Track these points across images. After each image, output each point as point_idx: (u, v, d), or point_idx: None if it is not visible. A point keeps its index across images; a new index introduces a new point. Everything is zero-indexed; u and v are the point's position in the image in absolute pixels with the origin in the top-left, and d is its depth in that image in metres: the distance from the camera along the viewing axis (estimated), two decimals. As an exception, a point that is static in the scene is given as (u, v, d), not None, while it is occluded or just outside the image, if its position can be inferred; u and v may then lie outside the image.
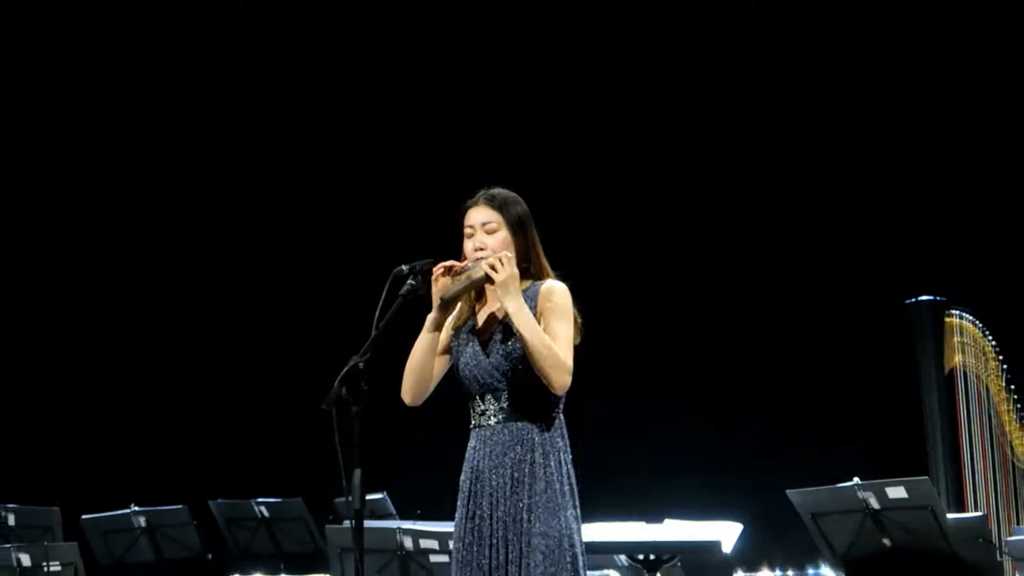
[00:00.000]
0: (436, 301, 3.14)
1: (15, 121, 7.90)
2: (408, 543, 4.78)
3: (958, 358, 5.71)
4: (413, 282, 3.03)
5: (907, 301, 5.84)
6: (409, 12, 7.77)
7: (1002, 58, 6.82)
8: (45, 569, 5.40)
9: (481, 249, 3.10)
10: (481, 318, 3.20)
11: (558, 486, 3.13)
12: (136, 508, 6.04)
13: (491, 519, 3.17)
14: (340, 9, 7.86)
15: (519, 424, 3.13)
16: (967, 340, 5.67)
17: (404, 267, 3.04)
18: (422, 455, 4.77)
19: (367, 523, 3.48)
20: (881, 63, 7.10)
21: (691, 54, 7.38)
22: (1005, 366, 5.52)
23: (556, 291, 3.09)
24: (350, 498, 2.98)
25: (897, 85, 7.11)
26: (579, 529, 3.18)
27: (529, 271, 3.14)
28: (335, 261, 7.25)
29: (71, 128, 7.95)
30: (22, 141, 7.98)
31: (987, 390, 5.55)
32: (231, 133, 7.92)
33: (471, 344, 3.17)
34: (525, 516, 3.12)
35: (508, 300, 3.10)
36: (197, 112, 7.91)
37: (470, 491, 3.17)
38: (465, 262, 3.14)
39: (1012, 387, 5.47)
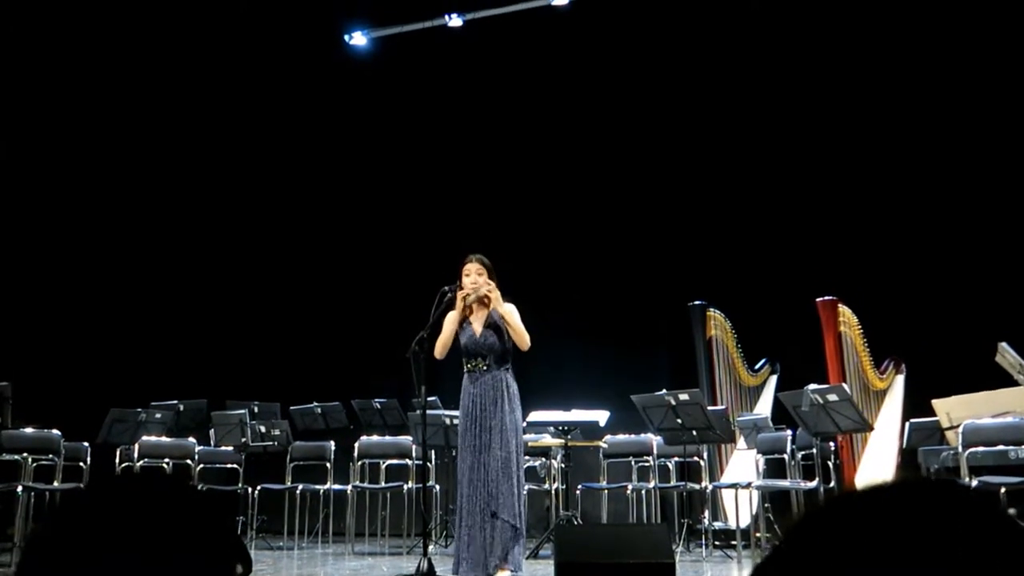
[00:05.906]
0: (459, 304, 4.47)
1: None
2: (447, 421, 6.22)
3: (713, 331, 7.45)
4: (449, 294, 4.53)
5: (689, 303, 7.60)
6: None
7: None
8: (271, 432, 7.26)
9: (475, 282, 4.55)
10: (473, 321, 4.62)
11: (514, 400, 4.49)
12: (316, 404, 7.84)
13: (480, 417, 4.42)
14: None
15: (494, 371, 4.47)
16: (717, 323, 7.45)
17: (446, 288, 4.48)
18: (450, 382, 4.93)
19: (428, 411, 4.79)
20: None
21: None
22: (737, 336, 7.43)
23: (511, 306, 4.53)
24: (420, 398, 4.50)
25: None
26: (521, 420, 4.55)
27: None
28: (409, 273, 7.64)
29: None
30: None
31: (726, 348, 7.39)
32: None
33: (472, 336, 4.55)
34: (497, 411, 4.41)
35: (497, 305, 4.45)
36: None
37: (470, 404, 4.48)
38: (472, 287, 4.55)
39: (739, 346, 7.43)
